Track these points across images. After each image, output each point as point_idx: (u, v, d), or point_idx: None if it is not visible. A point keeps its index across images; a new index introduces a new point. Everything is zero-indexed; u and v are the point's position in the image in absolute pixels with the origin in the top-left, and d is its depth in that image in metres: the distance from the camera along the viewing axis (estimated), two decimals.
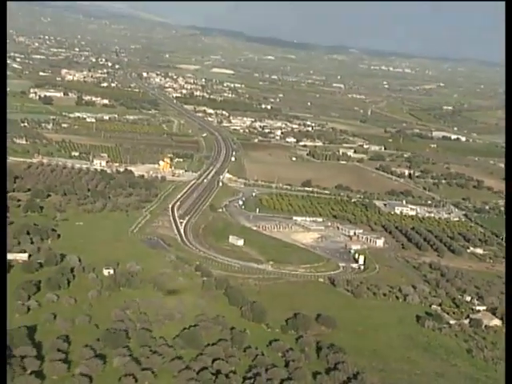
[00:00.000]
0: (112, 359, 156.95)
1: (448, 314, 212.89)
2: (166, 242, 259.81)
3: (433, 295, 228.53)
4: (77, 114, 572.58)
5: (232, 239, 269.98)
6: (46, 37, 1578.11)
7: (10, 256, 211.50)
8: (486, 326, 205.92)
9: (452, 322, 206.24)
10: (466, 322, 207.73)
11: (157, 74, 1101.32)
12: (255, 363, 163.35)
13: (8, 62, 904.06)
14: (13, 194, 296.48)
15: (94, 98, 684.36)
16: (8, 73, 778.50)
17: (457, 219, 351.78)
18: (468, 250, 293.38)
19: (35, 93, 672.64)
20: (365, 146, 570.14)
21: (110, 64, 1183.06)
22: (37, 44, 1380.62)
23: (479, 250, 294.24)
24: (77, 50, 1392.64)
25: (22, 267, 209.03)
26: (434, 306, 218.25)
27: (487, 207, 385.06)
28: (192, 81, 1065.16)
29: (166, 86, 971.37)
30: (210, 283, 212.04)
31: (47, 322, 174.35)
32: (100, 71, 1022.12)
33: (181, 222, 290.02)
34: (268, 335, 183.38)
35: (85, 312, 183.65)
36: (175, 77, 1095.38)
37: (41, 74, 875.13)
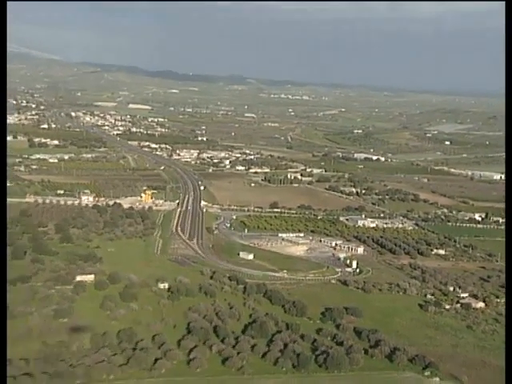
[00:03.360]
0: (206, 349, 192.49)
1: (442, 301, 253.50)
2: (191, 260, 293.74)
3: (423, 288, 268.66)
4: (37, 156, 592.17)
5: (243, 254, 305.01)
6: None
7: (79, 277, 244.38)
8: (474, 308, 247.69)
9: (447, 306, 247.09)
10: (458, 306, 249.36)
11: (83, 113, 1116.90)
12: (315, 345, 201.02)
13: None
14: (39, 229, 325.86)
15: (43, 140, 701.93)
16: None
17: (411, 228, 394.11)
18: (433, 252, 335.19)
19: None
20: (308, 170, 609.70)
21: (33, 105, 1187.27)
22: None
23: (441, 251, 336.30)
24: None
25: (94, 286, 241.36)
26: (428, 296, 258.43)
27: (429, 216, 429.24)
28: (120, 118, 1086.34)
29: (99, 124, 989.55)
30: (252, 288, 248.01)
31: (138, 325, 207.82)
32: (29, 113, 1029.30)
33: (192, 243, 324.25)
34: (312, 325, 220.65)
35: (163, 317, 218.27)
36: (102, 115, 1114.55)
37: None
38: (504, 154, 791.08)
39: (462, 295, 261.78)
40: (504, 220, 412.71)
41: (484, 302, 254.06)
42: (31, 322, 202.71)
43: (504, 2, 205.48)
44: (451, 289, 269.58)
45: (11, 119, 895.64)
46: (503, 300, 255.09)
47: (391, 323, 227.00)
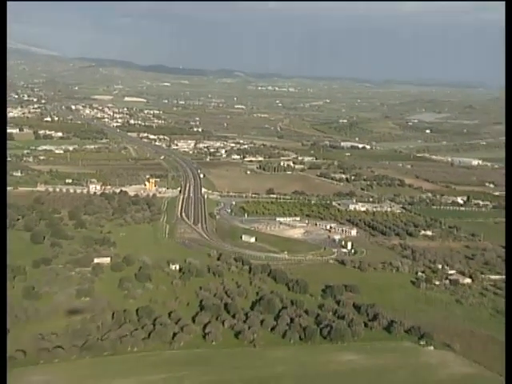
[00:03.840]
0: (219, 324, 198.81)
1: (432, 278, 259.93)
2: (197, 243, 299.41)
3: (414, 266, 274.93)
4: (43, 147, 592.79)
5: (245, 237, 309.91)
6: None
7: (97, 260, 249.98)
8: (461, 283, 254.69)
9: (437, 282, 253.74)
10: (447, 282, 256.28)
11: (83, 107, 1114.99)
12: (319, 319, 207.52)
13: None
14: (52, 215, 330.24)
15: (48, 132, 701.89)
16: None
17: (399, 211, 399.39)
18: (420, 233, 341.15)
19: None
20: (299, 158, 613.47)
21: (35, 100, 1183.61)
22: None
23: (429, 232, 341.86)
24: None
25: (111, 268, 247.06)
26: (419, 273, 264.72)
27: (415, 200, 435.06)
28: (117, 110, 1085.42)
29: (99, 116, 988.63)
30: (257, 268, 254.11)
31: (155, 303, 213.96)
32: (32, 107, 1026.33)
33: (197, 228, 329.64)
34: (314, 301, 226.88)
35: (176, 295, 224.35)
36: (100, 108, 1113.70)
37: None
38: (479, 140, 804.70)
39: (450, 272, 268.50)
40: (484, 203, 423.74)
41: (470, 277, 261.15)
42: (56, 300, 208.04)
43: (504, 2, 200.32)
44: (440, 266, 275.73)
45: (15, 113, 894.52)
46: (488, 276, 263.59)
47: (387, 298, 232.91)
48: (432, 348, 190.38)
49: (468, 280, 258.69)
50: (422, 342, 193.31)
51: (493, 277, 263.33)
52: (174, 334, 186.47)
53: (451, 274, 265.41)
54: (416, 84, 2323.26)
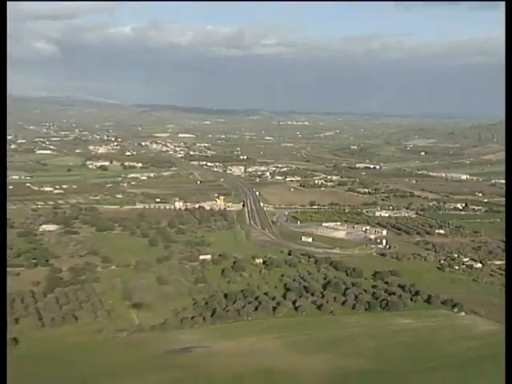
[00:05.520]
0: (303, 300, 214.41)
1: (452, 264, 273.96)
2: (269, 243, 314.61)
3: (437, 256, 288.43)
4: (131, 175, 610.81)
5: (304, 238, 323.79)
6: (47, 124, 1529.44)
7: (201, 257, 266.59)
8: (474, 267, 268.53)
9: (457, 267, 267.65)
10: (464, 266, 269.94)
11: (150, 143, 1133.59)
12: (376, 296, 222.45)
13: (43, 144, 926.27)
14: (158, 225, 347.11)
15: (131, 163, 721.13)
16: (55, 152, 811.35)
17: (414, 215, 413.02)
18: (435, 232, 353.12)
19: (92, 164, 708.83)
20: (328, 177, 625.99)
21: (112, 139, 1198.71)
22: (45, 130, 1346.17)
23: (441, 231, 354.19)
24: (77, 131, 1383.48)
25: (212, 262, 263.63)
26: (442, 261, 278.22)
27: (425, 207, 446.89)
28: (177, 144, 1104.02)
29: (164, 150, 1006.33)
30: (321, 260, 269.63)
31: (252, 286, 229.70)
32: (112, 144, 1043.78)
33: (265, 232, 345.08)
34: (369, 283, 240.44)
35: (266, 281, 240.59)
36: (163, 143, 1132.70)
37: (77, 151, 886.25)
38: (463, 160, 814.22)
39: (465, 259, 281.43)
40: (478, 208, 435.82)
41: (481, 263, 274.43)
42: (181, 285, 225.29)
43: (504, 2, 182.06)
44: (456, 255, 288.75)
45: (102, 150, 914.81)
46: (493, 262, 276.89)
47: (422, 280, 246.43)
48: (464, 314, 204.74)
49: (479, 265, 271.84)
50: (455, 310, 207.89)
51: (497, 262, 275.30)
52: (274, 308, 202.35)
53: (466, 261, 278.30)
54: (404, 116, 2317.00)
